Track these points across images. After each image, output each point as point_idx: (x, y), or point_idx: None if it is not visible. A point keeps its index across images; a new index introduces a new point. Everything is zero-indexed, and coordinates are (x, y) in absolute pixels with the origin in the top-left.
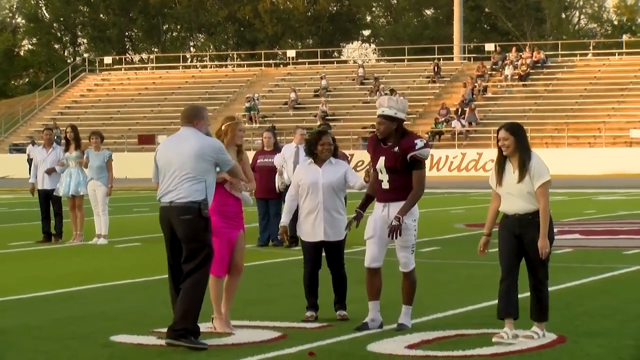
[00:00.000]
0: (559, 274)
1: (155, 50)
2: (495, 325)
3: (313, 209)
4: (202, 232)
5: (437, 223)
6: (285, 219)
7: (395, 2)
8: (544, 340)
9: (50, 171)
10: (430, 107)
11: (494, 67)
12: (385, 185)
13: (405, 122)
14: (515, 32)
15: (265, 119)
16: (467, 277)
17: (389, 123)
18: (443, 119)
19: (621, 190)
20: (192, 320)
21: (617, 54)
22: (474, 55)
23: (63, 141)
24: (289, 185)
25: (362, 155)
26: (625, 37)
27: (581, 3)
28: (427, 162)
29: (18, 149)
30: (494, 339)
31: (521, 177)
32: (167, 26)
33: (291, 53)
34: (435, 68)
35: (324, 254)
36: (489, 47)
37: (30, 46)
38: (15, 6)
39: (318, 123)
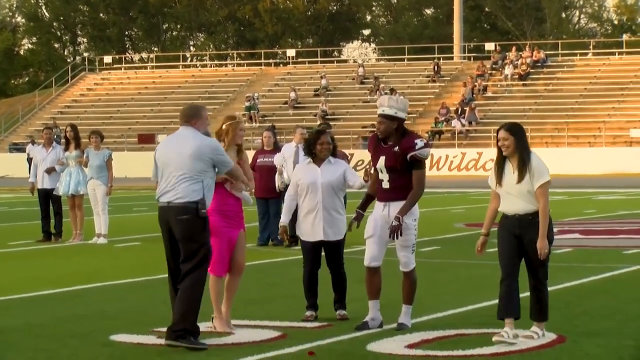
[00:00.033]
0: (558, 274)
1: (155, 49)
2: (495, 325)
3: (312, 209)
4: (199, 232)
5: (437, 223)
6: (284, 219)
7: (395, 1)
8: (544, 340)
9: (50, 170)
10: (430, 106)
11: (494, 66)
12: (386, 184)
13: (405, 122)
14: (515, 31)
15: (265, 118)
16: (467, 277)
17: (389, 122)
18: (443, 118)
19: (621, 190)
20: (191, 320)
21: (617, 54)
22: (474, 54)
23: (63, 140)
24: (289, 184)
25: (362, 155)
26: (625, 37)
27: (581, 2)
28: (427, 162)
29: (18, 148)
30: (494, 339)
31: (521, 178)
32: (167, 25)
33: (291, 52)
34: (435, 67)
35: (323, 253)
36: (489, 46)
37: (30, 45)
38: (15, 5)
39: (318, 122)
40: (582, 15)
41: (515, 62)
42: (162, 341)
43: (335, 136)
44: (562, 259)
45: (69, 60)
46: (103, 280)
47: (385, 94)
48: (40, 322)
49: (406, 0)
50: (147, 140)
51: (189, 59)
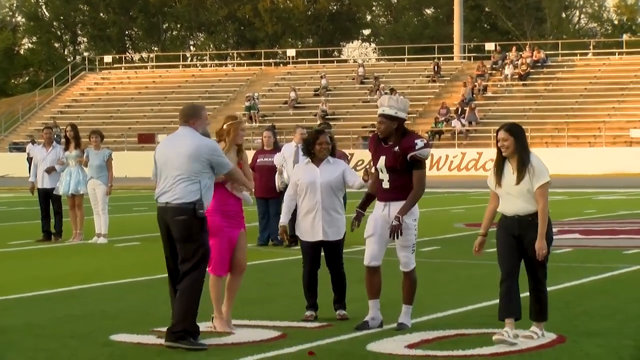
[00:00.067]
0: (558, 274)
1: (155, 49)
2: (495, 325)
3: (311, 209)
4: (197, 232)
5: (437, 223)
6: (284, 219)
7: (396, 1)
8: (544, 340)
9: (50, 170)
10: (430, 106)
11: (494, 66)
12: (386, 184)
13: (405, 122)
14: (515, 31)
15: (265, 118)
16: (467, 277)
17: (389, 122)
18: (443, 118)
19: (621, 190)
20: (190, 321)
21: (617, 54)
22: (474, 54)
23: (63, 140)
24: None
25: (362, 155)
26: (625, 37)
27: (581, 2)
28: (427, 162)
29: (18, 147)
30: (494, 338)
31: (520, 178)
32: (167, 25)
33: (291, 52)
34: (435, 67)
35: (323, 253)
36: (489, 46)
37: (30, 45)
38: (15, 5)
39: (318, 122)
40: (582, 15)
41: (516, 62)
42: (162, 341)
43: (335, 136)
44: (562, 259)
45: (69, 59)
46: (103, 280)
47: (385, 94)
48: (40, 322)
49: (406, 0)
50: (147, 140)
51: (189, 59)
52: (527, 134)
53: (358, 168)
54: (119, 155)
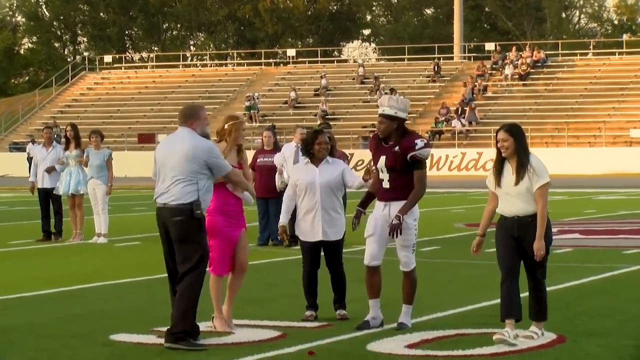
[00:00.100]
0: (558, 274)
1: (155, 49)
2: (496, 324)
3: (311, 209)
4: (195, 233)
5: (437, 222)
6: (283, 219)
7: (396, 1)
8: (544, 340)
9: (50, 170)
10: (430, 106)
11: (494, 66)
12: (386, 184)
13: (406, 122)
14: (515, 31)
15: (265, 118)
16: (467, 277)
17: (389, 122)
18: (443, 118)
19: (621, 190)
20: (190, 321)
21: (617, 54)
22: (474, 54)
23: (63, 140)
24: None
25: (362, 155)
26: (625, 37)
27: (581, 2)
28: (427, 162)
29: (18, 147)
30: (494, 337)
31: (520, 179)
32: (167, 25)
33: (291, 52)
34: (436, 67)
35: (322, 253)
36: (489, 46)
37: (30, 45)
38: (15, 4)
39: (318, 122)
40: (582, 15)
41: (516, 62)
42: (163, 341)
43: (336, 136)
44: (562, 259)
45: (69, 59)
46: (103, 280)
47: (386, 94)
48: (40, 322)
49: (406, 0)
50: (147, 139)
51: (189, 59)
52: (527, 134)
53: (358, 168)
54: (119, 155)
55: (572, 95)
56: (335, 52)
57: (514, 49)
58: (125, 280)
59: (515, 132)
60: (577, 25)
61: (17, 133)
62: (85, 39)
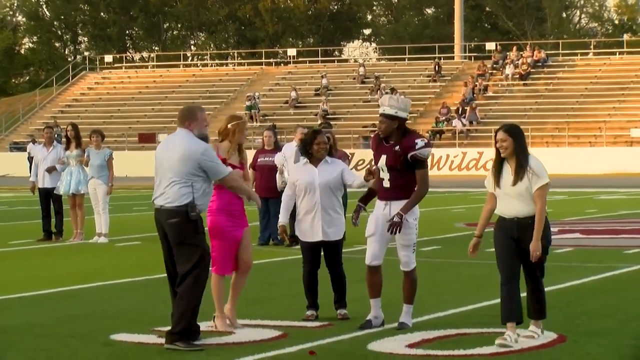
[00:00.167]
0: (559, 273)
1: (156, 48)
2: (496, 324)
3: (310, 209)
4: (191, 235)
5: (437, 222)
6: (283, 219)
7: (396, 1)
8: (544, 339)
9: (50, 169)
10: (431, 106)
11: (494, 66)
12: (386, 183)
13: (407, 122)
14: (515, 31)
15: (266, 117)
16: (467, 277)
17: (389, 122)
18: (444, 118)
19: (622, 190)
20: (190, 322)
21: (617, 54)
22: (475, 54)
23: (64, 139)
24: None
25: (363, 154)
26: (626, 37)
27: (582, 2)
28: (428, 161)
29: (18, 147)
30: (497, 342)
31: (519, 179)
32: (167, 25)
33: (292, 52)
34: (436, 67)
35: (322, 253)
36: (490, 46)
37: (30, 44)
38: (15, 4)
39: (319, 122)
40: (583, 15)
41: (516, 62)
42: (162, 340)
43: (336, 136)
44: (562, 259)
45: (69, 59)
46: (103, 280)
47: (386, 93)
48: (40, 322)
49: (407, 0)
50: (147, 139)
51: (190, 59)
52: (527, 134)
53: (359, 168)
54: (120, 155)
55: (573, 95)
56: (336, 52)
57: (514, 48)
58: (125, 280)
59: (515, 133)
60: (577, 25)
61: (17, 133)
62: (85, 39)
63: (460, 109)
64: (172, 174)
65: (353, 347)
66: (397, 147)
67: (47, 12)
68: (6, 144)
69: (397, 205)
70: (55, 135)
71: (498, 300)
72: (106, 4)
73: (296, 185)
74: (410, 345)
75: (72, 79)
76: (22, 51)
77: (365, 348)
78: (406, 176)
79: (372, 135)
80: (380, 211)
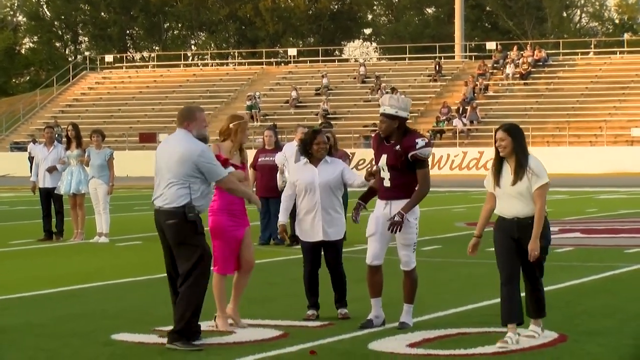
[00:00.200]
0: (559, 273)
1: (157, 48)
2: (497, 324)
3: (311, 209)
4: (190, 235)
5: (438, 222)
6: (282, 218)
7: (396, 0)
8: (545, 339)
9: (51, 169)
10: (431, 105)
11: (495, 65)
12: (387, 183)
13: (407, 121)
14: (516, 30)
15: (267, 117)
16: (468, 276)
17: (390, 121)
18: (444, 117)
19: (622, 189)
20: (190, 322)
21: (618, 53)
22: (475, 53)
23: (64, 139)
24: None
25: (364, 154)
26: (626, 36)
27: (582, 2)
28: (429, 161)
29: (19, 147)
30: (498, 345)
31: (518, 179)
32: (168, 24)
33: (292, 51)
34: (437, 66)
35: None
36: (490, 45)
37: (31, 44)
38: (16, 4)
39: (319, 122)
40: (583, 15)
41: (517, 61)
42: (163, 340)
43: (337, 135)
44: (563, 258)
45: (70, 59)
46: (104, 280)
47: (387, 93)
48: (41, 322)
49: None
50: (148, 139)
51: (190, 58)
52: (528, 133)
53: (359, 167)
54: (120, 155)
55: (573, 94)
56: (337, 52)
57: (515, 48)
58: (126, 279)
59: (514, 132)
60: (578, 25)
61: (18, 133)
62: (86, 39)
63: (461, 109)
64: (170, 175)
65: (354, 346)
66: (397, 147)
67: (48, 12)
68: (7, 144)
69: (398, 205)
70: (56, 135)
71: (498, 300)
72: (107, 4)
73: (296, 185)
74: (411, 345)
75: (72, 79)
76: (23, 51)
77: (366, 347)
78: (407, 176)
79: (372, 135)
80: (381, 211)
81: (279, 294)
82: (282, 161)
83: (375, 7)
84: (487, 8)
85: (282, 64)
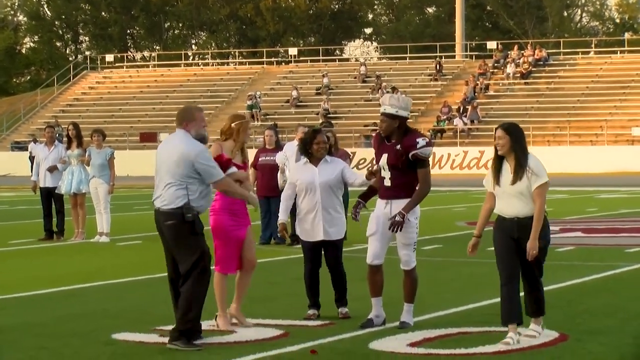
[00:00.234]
0: (560, 272)
1: (157, 48)
2: (498, 323)
3: (311, 209)
4: (188, 236)
5: (438, 221)
6: (282, 217)
7: (397, 0)
8: (546, 338)
9: (52, 169)
10: (432, 105)
11: (495, 65)
12: (387, 182)
13: (408, 120)
14: (516, 30)
15: (267, 116)
16: (468, 275)
17: (390, 121)
18: (445, 116)
19: (623, 189)
20: (190, 321)
21: (619, 52)
22: (476, 53)
23: (65, 139)
24: None
25: (364, 153)
26: (627, 35)
27: (583, 1)
28: (429, 160)
29: (20, 146)
30: (499, 346)
31: (518, 179)
32: (168, 24)
33: (293, 51)
34: (437, 66)
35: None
36: (491, 45)
37: (32, 44)
38: (16, 4)
39: (320, 121)
40: (584, 14)
41: (517, 61)
42: (164, 339)
43: (337, 135)
44: (564, 257)
45: (70, 58)
46: (105, 279)
47: (387, 92)
48: (41, 321)
49: None
50: (149, 138)
51: (191, 58)
52: (528, 133)
53: (360, 167)
54: (121, 154)
55: (574, 93)
56: (337, 51)
57: (515, 47)
58: (126, 279)
59: (512, 131)
60: (578, 24)
61: (18, 132)
62: (86, 38)
63: (462, 108)
64: (168, 176)
65: (354, 346)
66: (398, 146)
67: (48, 12)
68: (7, 144)
69: (398, 204)
70: (57, 135)
71: (499, 299)
72: (107, 4)
73: (296, 185)
74: (412, 344)
75: (73, 79)
76: (24, 51)
77: (367, 347)
78: (407, 175)
79: (373, 135)
80: (381, 210)
81: (279, 293)
82: (282, 160)
83: (375, 7)
84: (488, 7)
85: (283, 64)
